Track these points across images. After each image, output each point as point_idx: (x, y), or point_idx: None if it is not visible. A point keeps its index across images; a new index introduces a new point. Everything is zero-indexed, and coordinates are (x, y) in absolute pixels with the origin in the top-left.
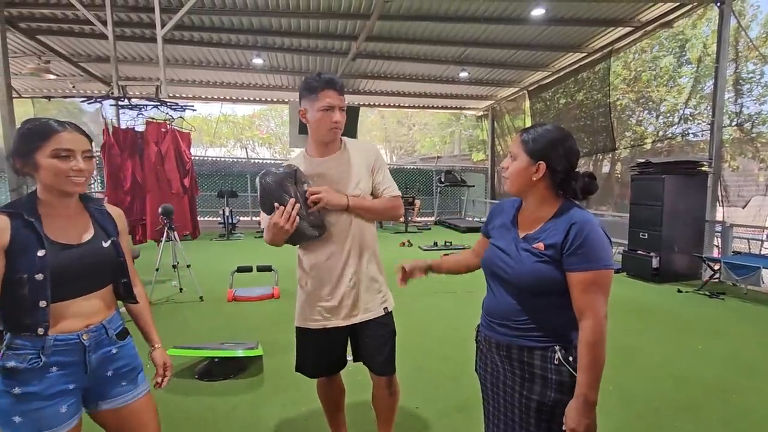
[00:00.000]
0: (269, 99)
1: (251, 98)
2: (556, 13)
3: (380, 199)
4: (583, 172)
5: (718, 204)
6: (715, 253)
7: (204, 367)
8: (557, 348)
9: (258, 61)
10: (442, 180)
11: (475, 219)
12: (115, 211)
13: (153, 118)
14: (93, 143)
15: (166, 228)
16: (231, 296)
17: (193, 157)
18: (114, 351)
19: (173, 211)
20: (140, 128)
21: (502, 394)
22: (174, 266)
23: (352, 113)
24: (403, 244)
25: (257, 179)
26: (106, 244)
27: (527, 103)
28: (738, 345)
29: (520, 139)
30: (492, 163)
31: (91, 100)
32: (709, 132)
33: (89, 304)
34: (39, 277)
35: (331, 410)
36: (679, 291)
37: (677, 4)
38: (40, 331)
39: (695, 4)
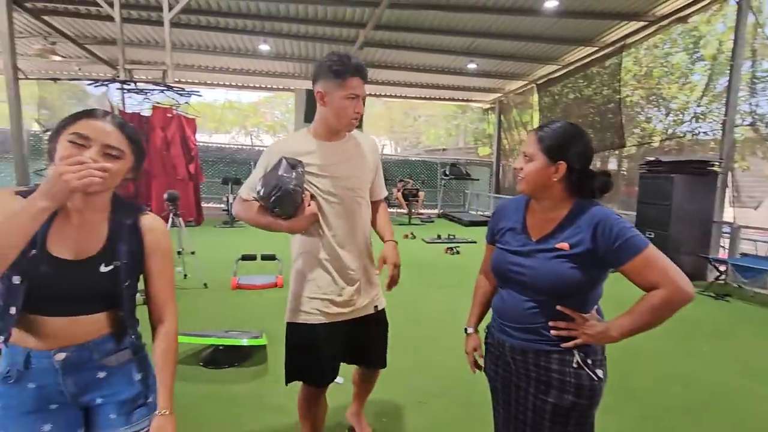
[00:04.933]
0: (274, 86)
1: (256, 85)
2: (569, 5)
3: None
4: (600, 171)
5: (728, 204)
6: (722, 255)
7: (209, 354)
8: (575, 352)
9: (264, 47)
10: (447, 173)
11: (479, 213)
12: (151, 226)
13: (159, 103)
14: (132, 145)
15: (171, 214)
16: (235, 284)
17: (197, 144)
18: (101, 376)
19: (179, 197)
20: (146, 113)
21: (514, 396)
22: (179, 253)
23: None
24: (407, 236)
25: (285, 186)
26: (104, 269)
27: (535, 97)
28: (744, 348)
29: (536, 138)
30: (497, 157)
31: (97, 83)
32: (720, 131)
33: (73, 325)
34: (16, 280)
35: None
36: None
37: None
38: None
39: None
